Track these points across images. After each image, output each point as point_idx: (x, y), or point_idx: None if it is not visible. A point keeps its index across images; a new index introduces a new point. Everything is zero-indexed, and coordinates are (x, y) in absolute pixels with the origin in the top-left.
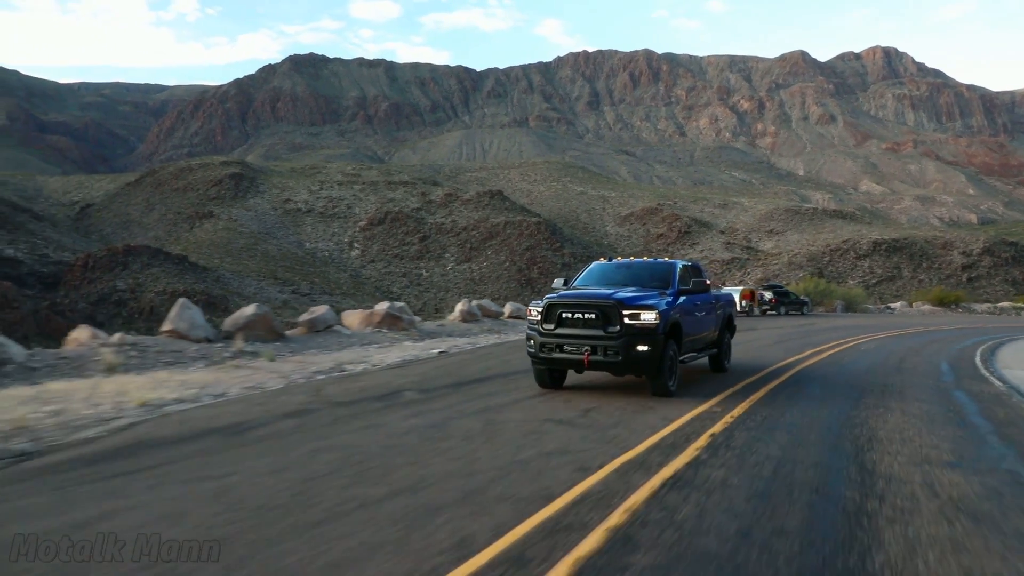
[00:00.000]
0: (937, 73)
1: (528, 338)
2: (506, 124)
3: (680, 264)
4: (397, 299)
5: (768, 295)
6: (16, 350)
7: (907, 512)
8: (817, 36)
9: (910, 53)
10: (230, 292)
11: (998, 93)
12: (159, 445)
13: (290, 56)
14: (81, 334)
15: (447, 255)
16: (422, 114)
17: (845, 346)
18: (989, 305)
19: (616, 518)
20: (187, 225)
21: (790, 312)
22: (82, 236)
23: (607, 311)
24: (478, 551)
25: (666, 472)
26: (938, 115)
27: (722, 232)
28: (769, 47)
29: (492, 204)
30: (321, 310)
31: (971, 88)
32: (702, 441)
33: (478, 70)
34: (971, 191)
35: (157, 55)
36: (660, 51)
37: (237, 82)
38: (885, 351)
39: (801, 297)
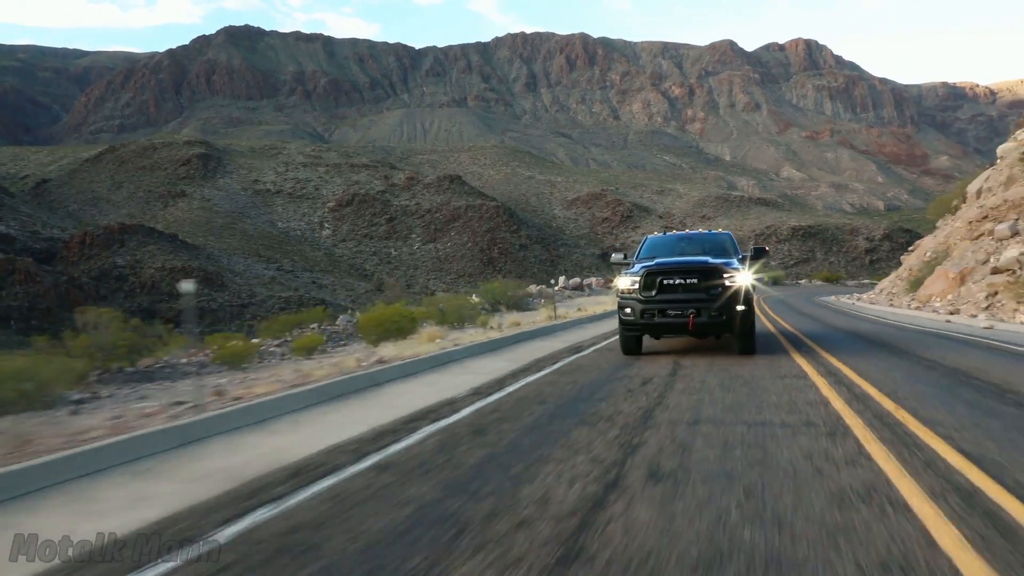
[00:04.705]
0: (853, 66)
1: (622, 307)
2: (445, 103)
3: (730, 234)
4: (371, 276)
5: None
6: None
7: (802, 303)
8: (744, 26)
9: (829, 46)
10: (222, 269)
11: (906, 86)
12: None
13: (225, 27)
14: (532, 287)
15: (413, 236)
16: (361, 91)
17: (775, 295)
18: (855, 281)
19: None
20: (160, 204)
21: None
22: (47, 211)
23: (708, 275)
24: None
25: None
26: (853, 106)
27: (660, 217)
28: (699, 35)
29: (452, 188)
30: (592, 280)
31: (883, 81)
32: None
33: (416, 47)
34: (880, 179)
35: (70, 16)
36: (595, 35)
37: (170, 52)
38: (790, 295)
39: None
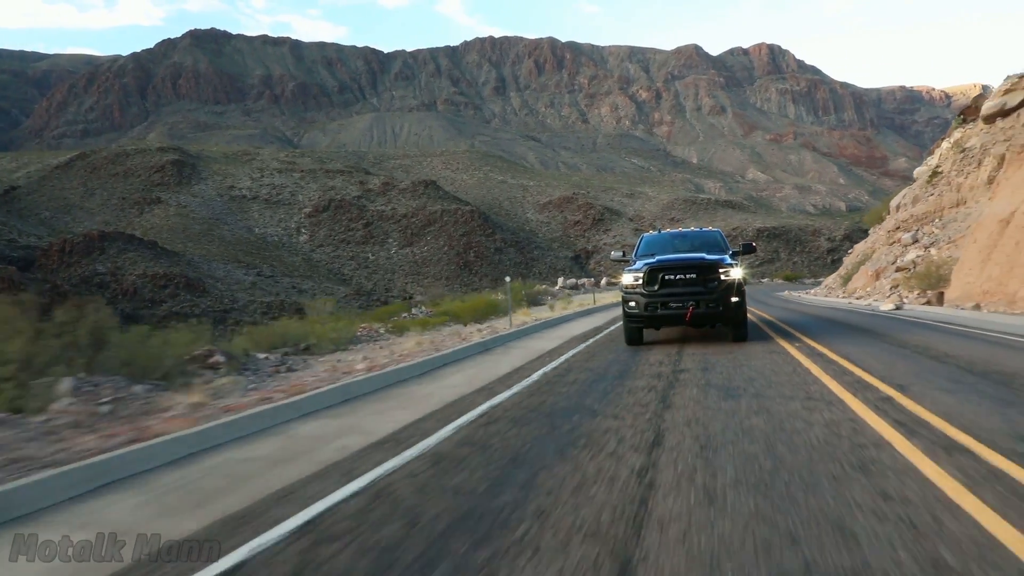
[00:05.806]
0: (815, 70)
1: (626, 301)
2: (414, 107)
3: (720, 231)
4: (349, 280)
5: None
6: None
7: (761, 296)
8: (709, 30)
9: (792, 51)
10: (203, 274)
11: (866, 90)
12: None
13: (190, 31)
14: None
15: (390, 240)
16: (330, 95)
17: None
18: (813, 280)
19: None
20: (136, 211)
21: None
22: (19, 219)
23: (706, 270)
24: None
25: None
26: (815, 109)
27: (631, 220)
28: (666, 39)
29: (427, 193)
30: (584, 280)
31: (844, 85)
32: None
33: (385, 51)
34: (842, 180)
35: (25, 16)
36: (563, 39)
37: (134, 56)
38: (752, 291)
39: None
